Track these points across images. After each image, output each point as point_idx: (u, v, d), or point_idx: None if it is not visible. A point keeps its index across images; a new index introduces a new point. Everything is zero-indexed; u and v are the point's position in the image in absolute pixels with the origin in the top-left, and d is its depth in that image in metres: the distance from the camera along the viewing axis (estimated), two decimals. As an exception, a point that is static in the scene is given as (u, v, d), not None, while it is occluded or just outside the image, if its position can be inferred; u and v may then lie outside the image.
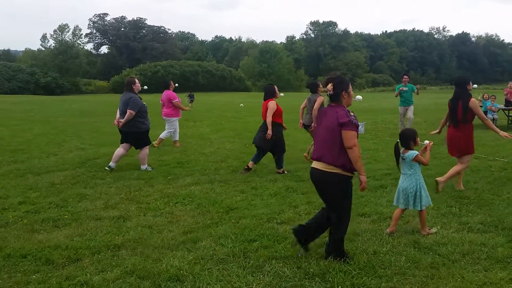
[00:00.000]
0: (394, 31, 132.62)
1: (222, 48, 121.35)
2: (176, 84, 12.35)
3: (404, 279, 4.01)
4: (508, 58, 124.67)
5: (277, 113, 8.63)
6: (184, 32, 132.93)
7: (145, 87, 9.93)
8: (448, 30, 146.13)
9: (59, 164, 9.52)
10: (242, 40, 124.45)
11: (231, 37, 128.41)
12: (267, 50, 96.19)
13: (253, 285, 3.93)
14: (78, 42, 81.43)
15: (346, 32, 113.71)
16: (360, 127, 13.98)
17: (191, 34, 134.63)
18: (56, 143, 12.85)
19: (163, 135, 12.23)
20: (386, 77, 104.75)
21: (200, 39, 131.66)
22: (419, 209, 5.22)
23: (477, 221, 5.64)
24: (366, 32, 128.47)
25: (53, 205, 6.50)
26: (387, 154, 10.72)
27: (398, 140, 5.50)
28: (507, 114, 17.88)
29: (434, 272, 4.14)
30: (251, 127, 17.40)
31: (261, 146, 8.72)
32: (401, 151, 5.45)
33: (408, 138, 5.47)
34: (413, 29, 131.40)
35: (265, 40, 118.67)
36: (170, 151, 11.23)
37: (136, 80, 9.13)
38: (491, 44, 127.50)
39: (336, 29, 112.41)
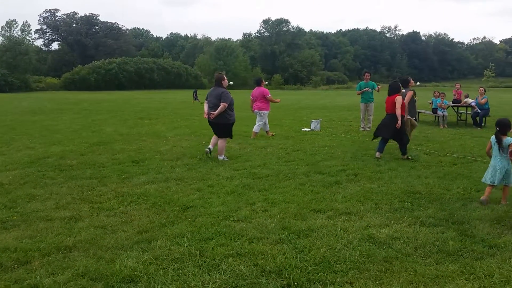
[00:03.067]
0: (348, 30, 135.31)
1: (177, 45, 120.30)
2: (231, 82, 13.01)
3: (358, 274, 4.05)
4: (457, 56, 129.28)
5: (403, 107, 9.88)
6: (138, 28, 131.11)
7: (231, 82, 11.73)
8: (399, 29, 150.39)
9: (7, 164, 9.15)
10: (198, 37, 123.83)
11: (186, 34, 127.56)
12: (223, 47, 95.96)
13: (209, 284, 3.88)
14: (28, 38, 78.68)
15: (300, 30, 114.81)
16: (316, 124, 14.20)
17: (146, 30, 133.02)
18: (4, 141, 12.35)
19: (255, 128, 13.56)
20: (340, 75, 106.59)
21: (155, 36, 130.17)
22: (509, 184, 6.39)
23: (428, 215, 5.78)
24: (320, 30, 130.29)
25: (1, 206, 6.23)
26: (342, 150, 10.88)
27: (498, 128, 6.41)
28: (456, 110, 18.49)
29: (388, 266, 4.21)
30: (207, 125, 17.26)
31: (386, 136, 9.97)
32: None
33: (506, 126, 6.42)
34: (366, 28, 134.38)
35: (221, 37, 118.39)
36: (124, 150, 11.00)
37: (225, 77, 10.03)
38: (440, 43, 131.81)
39: (290, 26, 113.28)
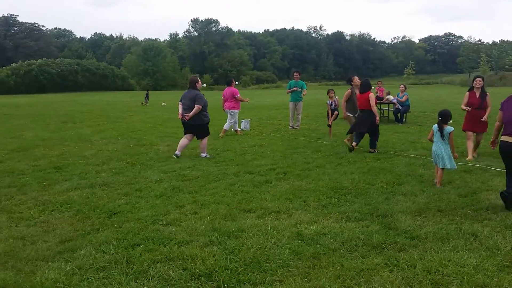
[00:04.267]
0: (276, 30, 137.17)
1: (103, 45, 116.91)
2: (237, 82, 12.96)
3: (288, 272, 4.08)
4: (379, 55, 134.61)
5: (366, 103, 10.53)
6: (60, 29, 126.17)
7: (204, 85, 11.83)
8: (324, 29, 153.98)
9: None
10: (124, 38, 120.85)
11: (111, 34, 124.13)
12: (150, 48, 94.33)
13: (136, 291, 3.77)
14: None
15: (229, 30, 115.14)
16: (245, 124, 14.21)
17: (68, 31, 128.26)
18: None
19: (226, 126, 14.21)
20: (269, 74, 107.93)
21: (79, 36, 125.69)
22: (444, 167, 7.16)
23: (354, 210, 5.94)
24: (249, 30, 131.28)
25: None
26: (271, 149, 10.97)
27: (440, 118, 7.21)
28: (378, 107, 19.21)
29: (316, 262, 4.27)
30: (135, 127, 16.93)
31: (363, 130, 10.56)
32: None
33: (447, 116, 7.24)
34: (293, 28, 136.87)
35: (148, 37, 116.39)
36: (46, 155, 10.49)
37: (199, 79, 10.54)
38: (364, 42, 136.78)
39: (219, 26, 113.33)
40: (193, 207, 6.18)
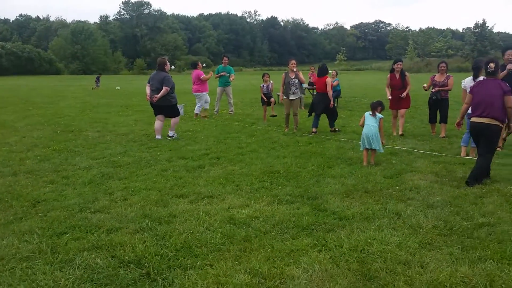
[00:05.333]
0: (210, 14, 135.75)
1: (29, 27, 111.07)
2: (173, 67, 12.46)
3: (219, 255, 4.09)
4: (313, 41, 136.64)
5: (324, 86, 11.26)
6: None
7: (173, 67, 11.46)
8: (259, 14, 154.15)
9: None
10: (51, 20, 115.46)
11: (38, 16, 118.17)
12: (79, 30, 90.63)
13: (61, 280, 3.64)
14: None
15: (162, 13, 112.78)
16: (179, 109, 14.07)
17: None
18: None
19: (196, 109, 14.53)
20: (205, 59, 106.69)
21: (3, 18, 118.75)
22: (375, 149, 7.69)
23: (286, 193, 6.03)
24: (182, 14, 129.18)
25: None
26: (205, 135, 10.92)
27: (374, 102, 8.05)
28: (311, 92, 19.55)
29: (247, 245, 4.31)
30: (63, 112, 16.27)
31: (318, 112, 11.30)
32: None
33: (377, 105, 7.92)
34: (227, 12, 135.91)
35: (76, 19, 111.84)
36: (-35, 143, 9.87)
37: (167, 62, 10.70)
38: (297, 28, 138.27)
39: (151, 9, 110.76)
40: (123, 194, 6.05)
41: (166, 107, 10.39)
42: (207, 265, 3.91)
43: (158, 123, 10.53)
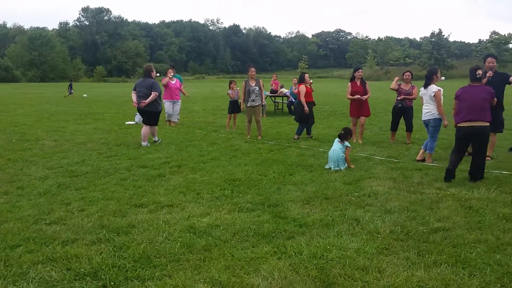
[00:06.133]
0: (172, 21, 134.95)
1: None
2: (158, 74, 12.61)
3: (178, 265, 4.04)
4: (275, 49, 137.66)
5: (307, 94, 11.57)
6: None
7: (158, 74, 11.43)
8: (221, 22, 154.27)
9: None
10: (8, 26, 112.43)
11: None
12: (37, 37, 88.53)
13: (14, 296, 3.52)
14: None
15: (122, 20, 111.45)
16: (140, 118, 13.84)
17: None
18: None
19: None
20: (167, 67, 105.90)
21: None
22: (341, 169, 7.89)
23: (247, 200, 6.02)
24: (144, 21, 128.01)
25: None
26: (166, 142, 10.82)
27: (342, 132, 8.29)
28: (273, 100, 19.69)
29: (207, 254, 4.27)
30: (19, 120, 15.82)
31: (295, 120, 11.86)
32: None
33: (348, 134, 8.37)
34: (190, 20, 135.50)
35: (35, 26, 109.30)
36: None
37: (153, 69, 11.07)
38: (260, 36, 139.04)
39: (111, 16, 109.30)
40: (80, 204, 5.91)
41: (150, 113, 10.57)
42: (165, 275, 3.86)
43: (145, 129, 10.63)
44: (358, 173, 7.54)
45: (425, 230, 4.84)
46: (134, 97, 10.68)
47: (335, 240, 4.58)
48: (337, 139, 8.24)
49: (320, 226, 5.02)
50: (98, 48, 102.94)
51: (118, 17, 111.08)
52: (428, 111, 8.52)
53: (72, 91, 32.83)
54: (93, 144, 10.67)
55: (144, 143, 10.48)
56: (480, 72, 7.24)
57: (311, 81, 12.35)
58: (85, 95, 33.34)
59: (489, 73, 8.66)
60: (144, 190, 6.59)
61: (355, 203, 5.88)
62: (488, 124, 7.00)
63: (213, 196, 6.28)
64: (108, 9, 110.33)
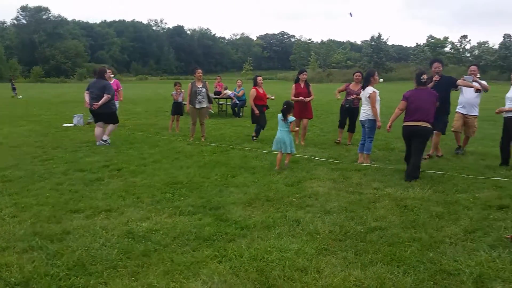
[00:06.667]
0: (114, 20, 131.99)
1: None
2: (112, 75, 13.12)
3: (115, 272, 3.93)
4: (220, 51, 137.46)
5: (258, 97, 11.48)
6: None
7: (112, 75, 13.28)
8: (165, 23, 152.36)
9: None
10: None
11: None
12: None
13: None
14: None
15: (62, 19, 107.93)
16: (78, 119, 13.45)
17: None
18: None
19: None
20: (109, 67, 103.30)
21: None
22: (290, 152, 8.17)
23: (188, 204, 5.95)
24: (84, 20, 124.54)
25: None
26: (106, 146, 10.52)
27: (285, 105, 8.15)
28: (217, 102, 19.63)
29: (146, 260, 4.18)
30: None
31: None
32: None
33: (291, 108, 8.25)
34: (133, 20, 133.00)
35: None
36: None
37: (107, 70, 11.37)
38: (204, 37, 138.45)
39: (50, 15, 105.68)
40: (12, 211, 5.64)
41: (106, 114, 10.67)
42: (101, 283, 3.74)
43: (98, 129, 10.74)
44: (300, 174, 7.63)
45: (362, 230, 4.95)
46: (86, 97, 10.68)
47: (275, 241, 4.61)
48: (280, 116, 8.24)
49: (261, 228, 5.03)
50: (36, 47, 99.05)
51: (57, 16, 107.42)
52: (364, 112, 8.75)
53: (16, 92, 31.81)
54: (28, 148, 10.24)
55: (105, 137, 10.67)
56: (425, 76, 7.63)
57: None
58: (20, 96, 32.02)
59: (436, 77, 8.95)
60: (81, 195, 6.38)
61: (296, 204, 5.94)
62: (429, 125, 7.42)
63: (153, 200, 6.16)
64: (47, 7, 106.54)
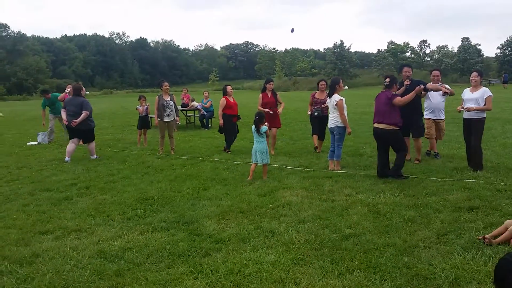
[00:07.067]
0: (74, 35, 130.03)
1: None
2: (87, 92, 11.54)
3: (88, 295, 3.83)
4: (185, 62, 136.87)
5: (227, 106, 11.38)
6: None
7: (87, 92, 13.04)
8: (128, 36, 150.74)
9: None
10: None
11: None
12: None
13: None
14: None
15: (22, 36, 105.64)
16: (43, 137, 13.15)
17: None
18: None
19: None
20: (71, 82, 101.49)
21: None
22: (266, 163, 8.23)
23: (160, 219, 5.86)
24: (44, 36, 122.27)
25: None
26: (73, 163, 10.31)
27: (257, 117, 8.27)
28: (185, 114, 19.52)
29: (120, 280, 4.08)
30: None
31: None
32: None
33: (263, 118, 8.33)
34: (94, 34, 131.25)
35: None
36: None
37: (83, 87, 11.17)
38: (168, 49, 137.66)
39: (9, 31, 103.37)
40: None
41: (85, 131, 10.70)
42: (75, 307, 3.63)
43: (71, 146, 10.70)
44: (272, 184, 7.62)
45: (337, 238, 4.97)
46: (64, 115, 10.79)
47: (251, 254, 4.58)
48: (253, 128, 8.30)
49: (236, 241, 4.99)
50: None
51: (17, 33, 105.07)
52: (332, 119, 8.83)
53: None
54: (-9, 169, 9.93)
55: (93, 157, 10.76)
56: (387, 80, 7.94)
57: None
58: (0, 114, 31.27)
59: (407, 82, 9.08)
60: (49, 216, 6.21)
61: (270, 215, 5.93)
62: (390, 126, 7.71)
63: (124, 217, 6.05)
64: (6, 24, 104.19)
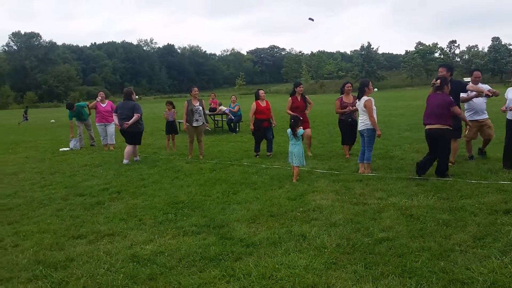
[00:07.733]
0: (103, 42, 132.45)
1: None
2: (137, 96, 11.99)
3: (122, 299, 3.85)
4: (212, 67, 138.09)
5: (258, 111, 11.28)
6: None
7: (137, 96, 11.27)
8: (155, 42, 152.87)
9: None
10: None
11: None
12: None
13: None
14: None
15: (53, 44, 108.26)
16: (75, 143, 13.36)
17: None
18: None
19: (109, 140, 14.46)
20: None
21: None
22: (303, 165, 8.45)
23: (191, 223, 5.87)
24: (74, 44, 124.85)
25: None
26: (104, 168, 10.47)
27: (292, 120, 8.44)
28: (213, 118, 19.64)
29: (152, 284, 4.10)
30: None
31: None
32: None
33: (298, 121, 8.50)
34: (123, 41, 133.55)
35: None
36: None
37: (133, 91, 11.55)
38: (195, 55, 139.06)
39: (41, 40, 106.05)
40: (14, 240, 5.56)
41: (133, 133, 11.02)
42: (108, 311, 3.66)
43: (129, 147, 11.15)
44: (301, 188, 7.57)
45: (370, 242, 4.88)
46: (116, 119, 11.17)
47: (283, 258, 4.53)
48: (289, 131, 8.44)
49: (267, 245, 4.96)
50: (28, 73, 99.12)
51: (49, 42, 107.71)
52: (362, 121, 8.72)
53: (27, 117, 32.40)
54: (26, 174, 10.16)
55: (125, 161, 10.98)
56: (438, 81, 7.90)
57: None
58: (52, 120, 32.34)
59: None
60: (82, 220, 6.30)
61: (301, 219, 5.87)
62: (444, 126, 7.67)
63: (156, 221, 6.09)
64: (38, 33, 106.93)
